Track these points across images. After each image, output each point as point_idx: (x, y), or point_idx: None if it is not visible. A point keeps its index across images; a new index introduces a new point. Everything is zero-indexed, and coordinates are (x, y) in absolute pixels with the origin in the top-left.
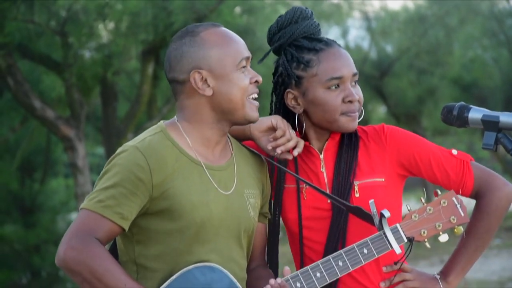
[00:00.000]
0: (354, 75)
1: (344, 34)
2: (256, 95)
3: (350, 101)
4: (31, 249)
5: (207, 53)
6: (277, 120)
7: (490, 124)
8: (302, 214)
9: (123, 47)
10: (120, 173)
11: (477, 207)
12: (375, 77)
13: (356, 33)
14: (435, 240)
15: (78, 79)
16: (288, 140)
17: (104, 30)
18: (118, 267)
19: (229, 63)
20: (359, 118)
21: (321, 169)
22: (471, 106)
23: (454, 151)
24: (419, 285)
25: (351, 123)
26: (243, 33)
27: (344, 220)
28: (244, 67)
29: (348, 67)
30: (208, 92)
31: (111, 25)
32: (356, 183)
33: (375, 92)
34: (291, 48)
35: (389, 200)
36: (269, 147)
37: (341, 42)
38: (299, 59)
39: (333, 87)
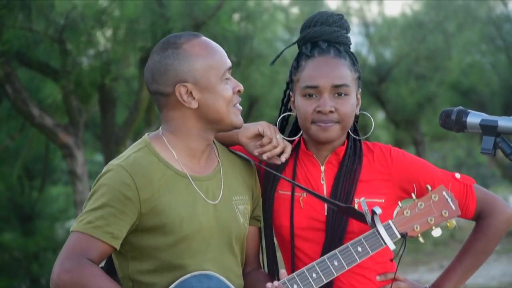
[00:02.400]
0: (336, 87)
1: None
2: (239, 105)
3: (320, 111)
4: (30, 256)
5: (191, 66)
6: (263, 127)
7: (488, 129)
8: (297, 224)
9: (121, 54)
10: (108, 193)
11: (477, 228)
12: (374, 83)
13: (355, 40)
14: (434, 245)
15: (77, 86)
16: (275, 147)
17: (102, 37)
18: (114, 284)
19: (213, 75)
20: (365, 135)
21: (321, 181)
22: (470, 110)
23: (457, 175)
24: None
25: (321, 133)
26: (241, 39)
27: (341, 235)
28: (227, 78)
29: (326, 77)
30: (194, 104)
31: (109, 32)
32: (356, 200)
33: (373, 98)
34: (300, 50)
35: (385, 219)
36: (256, 153)
37: None
38: (294, 63)
39: (308, 96)
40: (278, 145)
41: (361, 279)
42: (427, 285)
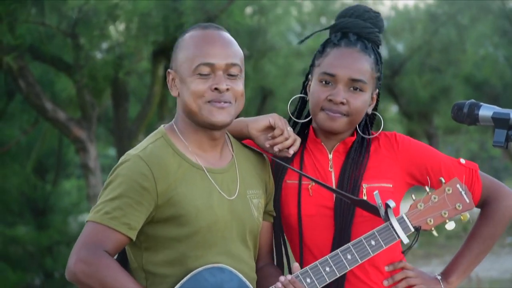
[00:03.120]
0: (353, 80)
1: None
2: (219, 101)
3: (331, 100)
4: (43, 250)
5: (177, 55)
6: (274, 119)
7: (500, 122)
8: (306, 212)
9: (134, 48)
10: (125, 183)
11: (483, 214)
12: (387, 76)
13: None
14: (447, 238)
15: (90, 80)
16: (286, 139)
17: (115, 32)
18: (128, 277)
19: (186, 67)
20: (377, 131)
21: (329, 169)
22: (482, 103)
23: (462, 160)
24: (422, 283)
25: (327, 122)
26: (254, 33)
27: (351, 218)
28: (202, 73)
29: (346, 69)
30: (174, 92)
31: (121, 26)
32: (364, 185)
33: (386, 91)
34: (329, 37)
35: (388, 200)
36: (267, 145)
37: None
38: (320, 48)
39: (324, 82)
40: (289, 137)
41: (372, 269)
42: (436, 274)
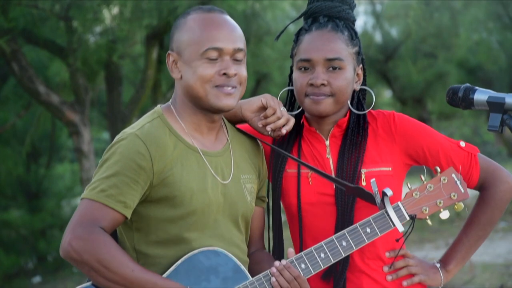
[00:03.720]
0: (329, 60)
1: None
2: (227, 85)
3: (312, 84)
4: (37, 234)
5: (180, 37)
6: (266, 99)
7: (495, 106)
8: (307, 200)
9: (128, 32)
10: (121, 161)
11: (481, 199)
12: (380, 61)
13: (362, 18)
14: (440, 223)
15: (83, 64)
16: (278, 118)
17: (109, 15)
18: (124, 253)
19: (194, 51)
20: (368, 108)
21: (326, 155)
22: (477, 87)
23: (462, 143)
24: (422, 271)
25: (313, 106)
26: (250, 17)
27: (352, 203)
28: (211, 58)
29: (319, 51)
30: (176, 74)
31: (115, 10)
32: (363, 171)
33: (380, 76)
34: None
35: (394, 189)
36: (260, 125)
37: None
38: (295, 37)
39: (303, 69)
40: (282, 117)
41: (372, 257)
42: (435, 261)
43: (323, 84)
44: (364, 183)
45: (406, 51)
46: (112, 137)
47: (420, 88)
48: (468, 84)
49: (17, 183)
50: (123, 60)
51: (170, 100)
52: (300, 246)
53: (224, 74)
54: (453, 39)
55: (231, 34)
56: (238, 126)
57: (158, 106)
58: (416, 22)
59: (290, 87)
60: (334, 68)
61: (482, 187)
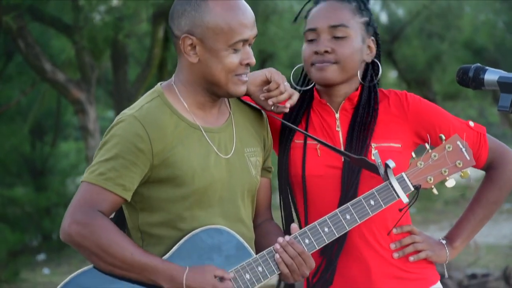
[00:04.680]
0: (333, 27)
1: None
2: (245, 75)
3: (317, 52)
4: (42, 211)
5: (205, 23)
6: (271, 72)
7: (506, 86)
8: (314, 172)
9: (134, 10)
10: (120, 144)
11: (488, 178)
12: (386, 41)
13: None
14: (445, 205)
15: (89, 42)
16: (281, 93)
17: None
18: (124, 237)
19: (222, 40)
20: (372, 81)
21: (336, 128)
22: (487, 67)
23: (471, 123)
24: (428, 248)
25: (317, 73)
26: None
27: (356, 177)
28: (237, 49)
29: (325, 19)
30: (193, 59)
31: None
32: (373, 145)
33: (386, 56)
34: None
35: (401, 166)
36: (261, 98)
37: None
38: (306, 13)
39: (310, 41)
40: (285, 92)
41: (379, 233)
42: (440, 238)
43: (327, 51)
44: (373, 157)
45: (411, 31)
46: None
47: (425, 69)
48: (478, 64)
49: (22, 160)
50: (129, 38)
51: (172, 79)
52: (305, 218)
53: (247, 64)
54: (459, 19)
55: (252, 21)
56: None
57: (158, 84)
58: (422, 2)
59: (301, 64)
60: (339, 37)
61: (490, 167)
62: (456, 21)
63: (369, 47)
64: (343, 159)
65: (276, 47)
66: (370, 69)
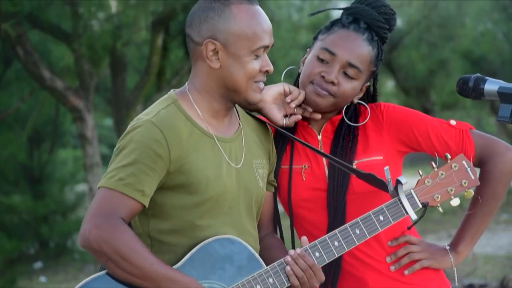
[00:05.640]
0: (350, 65)
1: None
2: (262, 83)
3: (323, 76)
4: (39, 219)
5: (229, 28)
6: (288, 85)
7: (506, 96)
8: (300, 196)
9: (133, 18)
10: (138, 149)
11: (481, 174)
12: (385, 50)
13: None
14: (443, 214)
15: (88, 50)
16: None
17: (114, 1)
18: (144, 246)
19: (245, 46)
20: (345, 114)
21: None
22: (487, 78)
23: (453, 122)
24: (427, 256)
25: (313, 96)
26: None
27: (343, 198)
28: (258, 55)
29: (347, 52)
30: (215, 64)
31: None
32: (354, 162)
33: (384, 66)
34: (341, 17)
35: (399, 176)
36: (285, 112)
37: None
38: (328, 24)
39: (321, 59)
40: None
41: (375, 245)
42: (446, 244)
43: (332, 82)
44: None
45: (410, 41)
46: (116, 124)
47: (423, 79)
48: (478, 74)
49: (20, 168)
50: (128, 46)
51: (186, 86)
52: (292, 242)
53: (266, 71)
54: (458, 29)
55: (271, 29)
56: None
57: (172, 91)
58: (421, 12)
59: (292, 67)
60: (349, 75)
61: (481, 163)
62: (455, 31)
63: (361, 90)
64: (327, 180)
65: (275, 56)
66: (353, 107)
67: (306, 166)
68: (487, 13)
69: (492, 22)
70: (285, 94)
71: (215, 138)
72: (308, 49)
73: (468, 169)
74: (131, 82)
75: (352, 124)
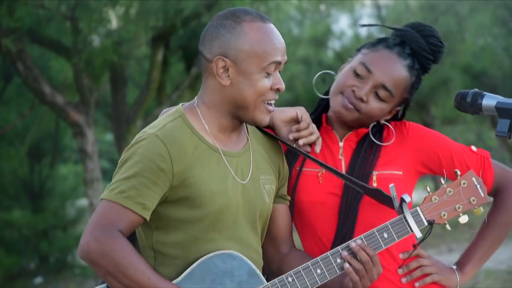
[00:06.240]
0: (383, 87)
1: (356, 22)
2: (273, 102)
3: (354, 91)
4: (39, 234)
5: (240, 45)
6: (302, 112)
7: (504, 111)
8: (314, 199)
9: (133, 33)
10: (141, 162)
11: (496, 202)
12: None
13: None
14: (443, 228)
15: (88, 65)
16: (311, 133)
17: (114, 16)
18: (142, 260)
19: (255, 63)
20: (371, 130)
21: (339, 156)
22: (485, 93)
23: (474, 148)
24: (437, 271)
25: (340, 107)
26: None
27: (356, 205)
28: (269, 73)
29: (385, 74)
30: (225, 81)
31: (121, 10)
32: (374, 173)
33: None
34: (389, 37)
35: (402, 193)
36: (291, 137)
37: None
38: (375, 40)
39: (357, 73)
40: (314, 133)
41: (387, 257)
42: (452, 264)
43: (361, 99)
44: (375, 184)
45: None
46: (116, 139)
47: (424, 93)
48: (476, 89)
49: (21, 183)
50: (128, 61)
51: (195, 101)
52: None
53: (277, 89)
54: (458, 44)
55: (284, 47)
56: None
57: (180, 105)
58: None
59: (327, 71)
60: (380, 97)
61: (497, 191)
62: (455, 46)
63: (390, 112)
64: (343, 187)
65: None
66: (379, 126)
67: (323, 170)
68: (487, 28)
69: (492, 36)
70: (297, 120)
71: (221, 153)
72: (349, 59)
73: (478, 186)
74: (131, 97)
75: (377, 141)
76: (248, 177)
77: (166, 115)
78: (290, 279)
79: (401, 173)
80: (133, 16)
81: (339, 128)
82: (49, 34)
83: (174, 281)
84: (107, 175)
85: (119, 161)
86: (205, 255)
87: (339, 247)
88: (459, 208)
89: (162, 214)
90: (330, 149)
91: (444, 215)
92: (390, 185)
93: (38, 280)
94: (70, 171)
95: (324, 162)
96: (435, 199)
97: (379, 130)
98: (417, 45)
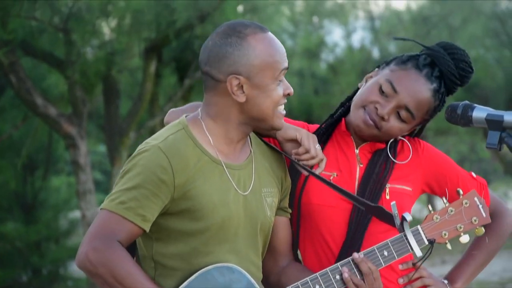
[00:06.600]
0: (406, 109)
1: (349, 34)
2: (283, 109)
3: (376, 108)
4: (32, 246)
5: (250, 61)
6: (302, 135)
7: (494, 123)
8: (326, 202)
9: (126, 45)
10: (142, 174)
11: (489, 228)
12: None
13: (360, 34)
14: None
15: (81, 76)
16: (312, 157)
17: (107, 28)
18: (140, 270)
19: (269, 75)
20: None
21: (357, 164)
22: (475, 105)
23: (473, 174)
24: (433, 283)
25: (359, 121)
26: None
27: (368, 217)
28: (281, 80)
29: (409, 96)
30: (242, 98)
31: (114, 22)
32: (388, 186)
33: None
34: (419, 55)
35: (409, 210)
36: (294, 159)
37: (345, 42)
38: (405, 57)
39: (382, 90)
40: (316, 157)
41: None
42: (442, 278)
43: (383, 117)
44: (387, 197)
45: None
46: (109, 150)
47: None
48: (467, 102)
49: (13, 195)
50: (121, 73)
51: (199, 113)
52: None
53: (288, 94)
54: None
55: (285, 52)
56: (264, 138)
57: (183, 116)
58: (414, 38)
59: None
60: (401, 117)
61: (491, 217)
62: None
63: (409, 130)
64: (356, 194)
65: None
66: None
67: (335, 174)
68: (479, 39)
69: (484, 48)
70: (298, 142)
71: (224, 165)
72: (376, 69)
73: (480, 206)
74: (124, 109)
75: (393, 159)
76: (250, 189)
77: (169, 126)
78: None
79: (410, 189)
80: (126, 28)
81: (355, 136)
82: (42, 46)
83: None
84: (100, 187)
85: (121, 171)
86: (203, 267)
87: (338, 264)
88: (460, 228)
89: (163, 225)
90: (344, 153)
91: (445, 234)
92: (392, 203)
93: None
94: (63, 182)
95: (336, 166)
96: (437, 218)
97: (394, 143)
98: (447, 69)
